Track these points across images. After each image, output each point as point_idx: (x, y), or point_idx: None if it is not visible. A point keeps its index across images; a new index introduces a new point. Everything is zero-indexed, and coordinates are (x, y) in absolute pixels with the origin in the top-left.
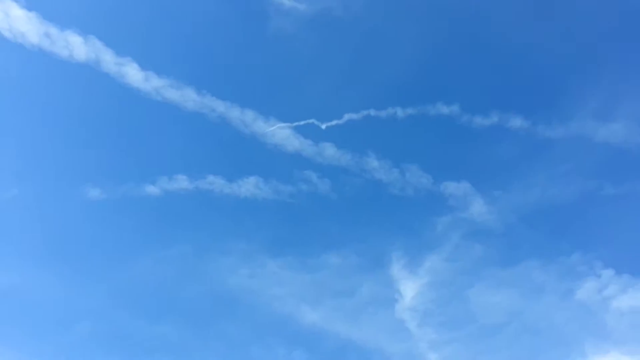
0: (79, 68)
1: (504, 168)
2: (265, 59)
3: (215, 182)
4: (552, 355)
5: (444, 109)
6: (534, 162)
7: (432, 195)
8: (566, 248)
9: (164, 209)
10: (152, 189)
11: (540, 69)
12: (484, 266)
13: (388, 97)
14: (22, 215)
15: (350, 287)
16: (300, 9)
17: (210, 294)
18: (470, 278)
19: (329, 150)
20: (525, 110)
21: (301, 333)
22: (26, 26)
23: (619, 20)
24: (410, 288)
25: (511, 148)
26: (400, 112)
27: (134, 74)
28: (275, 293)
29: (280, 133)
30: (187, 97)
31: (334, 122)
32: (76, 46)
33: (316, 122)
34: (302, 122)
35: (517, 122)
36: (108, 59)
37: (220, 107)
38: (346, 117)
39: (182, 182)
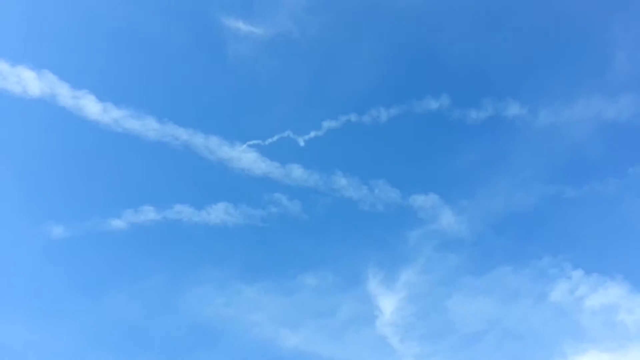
0: (34, 103)
1: (468, 177)
2: (225, 84)
3: (183, 211)
4: (534, 358)
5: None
6: (496, 170)
7: (402, 209)
8: (536, 252)
9: (131, 242)
10: (118, 223)
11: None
12: (459, 276)
13: (346, 109)
14: None
15: (330, 307)
16: (257, 33)
17: (187, 326)
18: (446, 288)
19: (297, 172)
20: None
21: (283, 358)
22: None
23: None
24: (389, 303)
25: (473, 157)
26: (355, 121)
27: (91, 106)
28: (254, 319)
29: (246, 157)
30: (149, 127)
31: (307, 137)
32: (30, 81)
33: (292, 135)
34: (275, 138)
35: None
36: (64, 93)
37: (183, 134)
38: (312, 134)
39: (148, 214)
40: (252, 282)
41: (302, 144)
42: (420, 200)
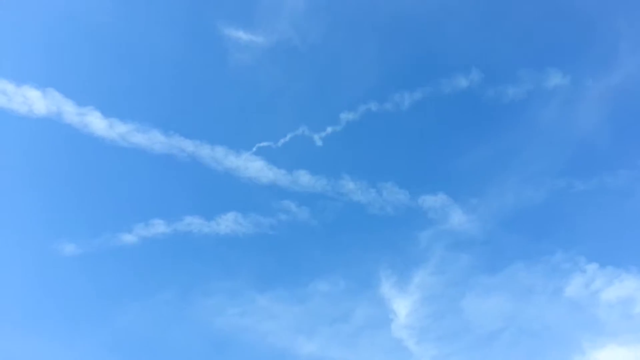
0: (40, 122)
1: (476, 175)
2: (229, 93)
3: (193, 223)
4: (552, 355)
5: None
6: (505, 166)
7: (411, 210)
8: (548, 247)
9: (143, 256)
10: (129, 238)
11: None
12: (472, 275)
13: (365, 98)
14: None
15: (344, 312)
16: (258, 41)
17: (201, 337)
18: (460, 288)
19: (304, 178)
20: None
21: None
22: None
23: None
24: (403, 306)
25: (480, 154)
26: (376, 111)
27: (97, 122)
28: (268, 328)
29: (253, 165)
30: (155, 140)
31: (323, 133)
32: (35, 100)
33: (307, 133)
34: (288, 137)
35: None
36: (69, 110)
37: (189, 146)
38: (329, 129)
39: (159, 227)
40: (264, 291)
41: (319, 142)
42: (429, 200)
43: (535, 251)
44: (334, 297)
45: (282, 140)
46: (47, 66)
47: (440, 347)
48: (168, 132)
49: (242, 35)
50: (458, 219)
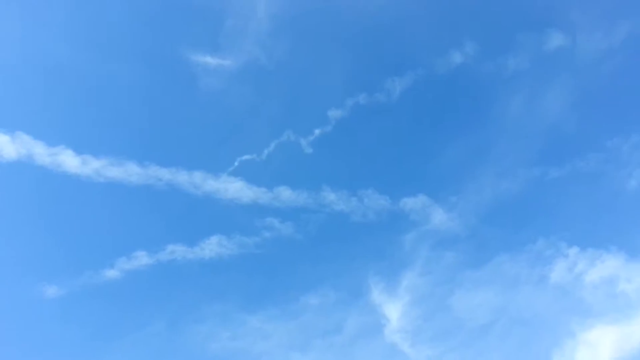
0: (11, 167)
1: (453, 173)
2: (202, 118)
3: (176, 251)
4: (544, 342)
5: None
6: (480, 161)
7: (394, 214)
8: (530, 236)
9: (128, 290)
10: (112, 273)
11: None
12: (458, 271)
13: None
14: None
15: (336, 323)
16: (226, 64)
17: None
18: (448, 286)
19: (285, 193)
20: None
21: None
22: None
23: None
24: (394, 310)
25: (455, 152)
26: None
27: (70, 161)
28: (262, 348)
29: (232, 186)
30: (130, 172)
31: (311, 137)
32: (4, 145)
33: (292, 138)
34: (272, 146)
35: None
36: (40, 152)
37: (166, 174)
38: (317, 132)
39: (142, 259)
40: (255, 312)
41: (307, 149)
42: (410, 203)
43: (518, 241)
44: (325, 309)
45: (266, 151)
46: (13, 110)
47: (435, 347)
48: (143, 163)
49: (209, 60)
50: (439, 218)
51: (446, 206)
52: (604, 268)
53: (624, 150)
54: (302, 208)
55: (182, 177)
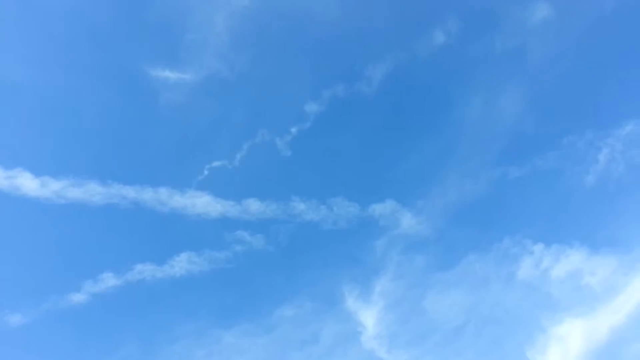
0: None
1: (419, 177)
2: (164, 133)
3: (145, 270)
4: (516, 339)
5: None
6: (443, 164)
7: (363, 221)
8: (496, 235)
9: (96, 313)
10: (78, 297)
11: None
12: (429, 274)
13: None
14: None
15: (312, 333)
16: (186, 79)
17: None
18: (420, 289)
19: (254, 206)
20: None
21: None
22: None
23: None
24: (369, 317)
25: (419, 156)
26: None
27: (28, 183)
28: None
29: (200, 201)
30: (92, 192)
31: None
32: None
33: (267, 138)
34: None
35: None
36: None
37: (130, 192)
38: (293, 130)
39: (109, 281)
40: (229, 327)
41: (286, 151)
42: (379, 209)
43: (485, 241)
44: (300, 320)
45: (235, 159)
46: None
47: (411, 351)
48: (106, 182)
49: (169, 74)
50: (408, 222)
51: (414, 210)
52: (568, 263)
53: (580, 147)
54: (272, 219)
55: (147, 195)
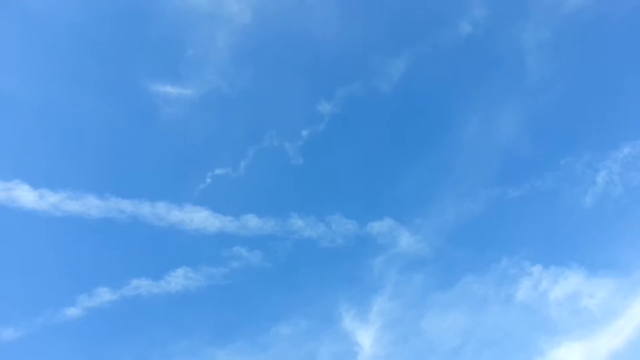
0: None
1: (417, 196)
2: (164, 148)
3: (141, 285)
4: None
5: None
6: (442, 183)
7: (361, 239)
8: (494, 256)
9: (91, 328)
10: (72, 311)
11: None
12: (427, 294)
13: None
14: None
15: (309, 352)
16: (187, 94)
17: None
18: (418, 310)
19: (252, 221)
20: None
21: None
22: None
23: None
24: (366, 336)
25: (417, 174)
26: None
27: (25, 195)
28: None
29: (198, 216)
30: (90, 205)
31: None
32: None
33: (275, 142)
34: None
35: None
36: None
37: (128, 206)
38: (304, 133)
39: (104, 295)
40: (224, 345)
41: (296, 159)
42: (377, 227)
43: (483, 261)
44: (296, 339)
45: (242, 163)
46: None
47: None
48: (104, 195)
49: (170, 89)
50: (406, 241)
51: (412, 229)
52: (566, 285)
53: (578, 169)
54: (270, 235)
55: (145, 209)
